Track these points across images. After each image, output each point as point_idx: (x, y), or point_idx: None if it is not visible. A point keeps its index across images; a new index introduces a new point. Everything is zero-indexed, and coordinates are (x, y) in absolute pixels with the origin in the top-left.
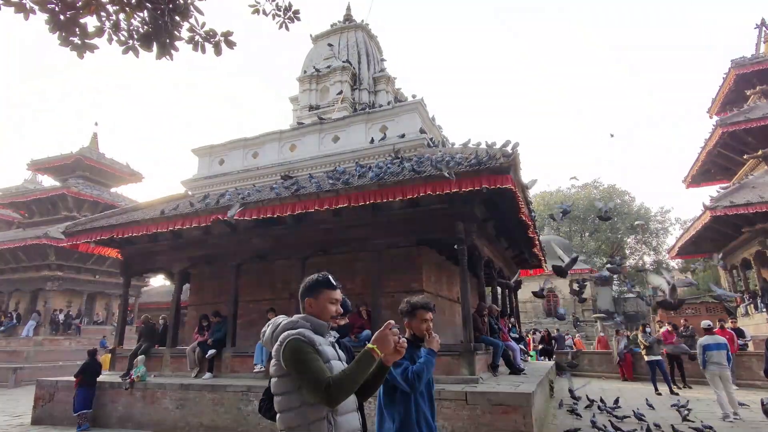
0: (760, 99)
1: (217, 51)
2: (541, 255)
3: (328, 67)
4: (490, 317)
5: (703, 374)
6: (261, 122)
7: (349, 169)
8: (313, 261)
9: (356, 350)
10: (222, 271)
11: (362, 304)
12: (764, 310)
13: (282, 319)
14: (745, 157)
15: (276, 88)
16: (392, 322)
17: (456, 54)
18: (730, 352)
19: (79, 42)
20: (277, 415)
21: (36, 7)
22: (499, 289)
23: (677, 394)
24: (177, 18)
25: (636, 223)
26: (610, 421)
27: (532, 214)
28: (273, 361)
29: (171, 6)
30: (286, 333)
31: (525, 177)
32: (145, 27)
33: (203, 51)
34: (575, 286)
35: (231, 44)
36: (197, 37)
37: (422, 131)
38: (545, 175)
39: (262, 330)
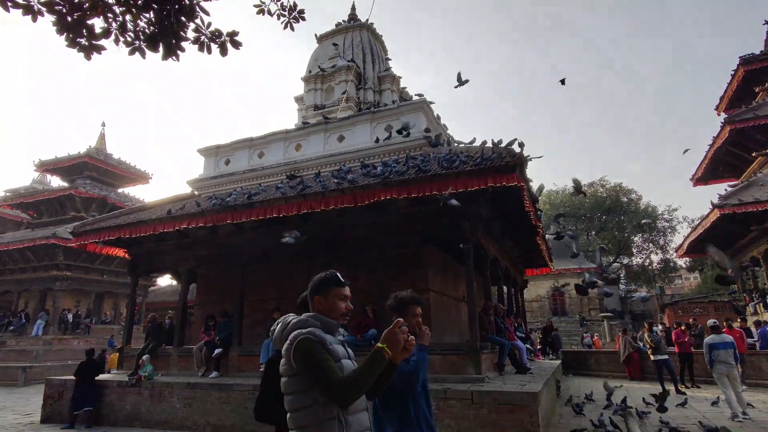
0: None
1: (223, 51)
2: (548, 254)
3: (333, 66)
4: (496, 316)
5: (711, 374)
6: (266, 122)
7: (355, 168)
8: (318, 260)
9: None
10: (228, 270)
11: (368, 303)
12: None
13: (292, 318)
14: (753, 154)
15: (281, 88)
16: (401, 320)
17: (461, 51)
18: (737, 351)
19: (86, 43)
20: (288, 415)
21: (44, 9)
22: (505, 288)
23: (684, 393)
24: (183, 19)
25: (643, 221)
26: (610, 418)
27: (539, 212)
28: (283, 360)
29: (177, 7)
30: (296, 332)
31: (530, 176)
32: (152, 28)
33: (209, 51)
34: (584, 281)
35: (237, 44)
36: (203, 38)
37: (427, 130)
38: (551, 174)
39: (271, 328)
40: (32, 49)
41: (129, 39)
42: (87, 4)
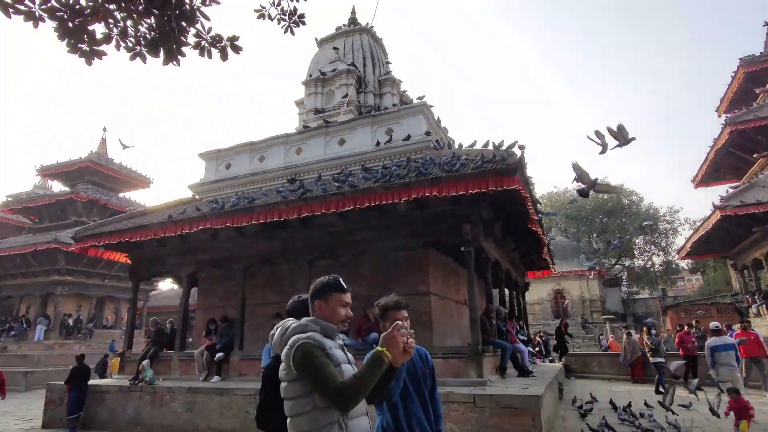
0: None
1: (224, 56)
2: (549, 257)
3: (334, 70)
4: (497, 319)
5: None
6: (267, 126)
7: (355, 171)
8: (319, 264)
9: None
10: (229, 274)
11: (369, 306)
12: None
13: (291, 322)
14: (754, 156)
15: (282, 92)
16: (400, 323)
17: (462, 55)
18: (738, 353)
19: (87, 49)
20: (288, 420)
21: (45, 15)
22: (506, 291)
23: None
24: (183, 24)
25: (644, 223)
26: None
27: (540, 215)
28: (283, 365)
29: (178, 12)
30: (296, 337)
31: (533, 177)
32: (152, 33)
33: (209, 56)
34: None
35: (237, 49)
36: (204, 43)
37: (428, 133)
38: (552, 176)
39: (271, 333)
40: (33, 53)
41: (130, 44)
42: (88, 10)
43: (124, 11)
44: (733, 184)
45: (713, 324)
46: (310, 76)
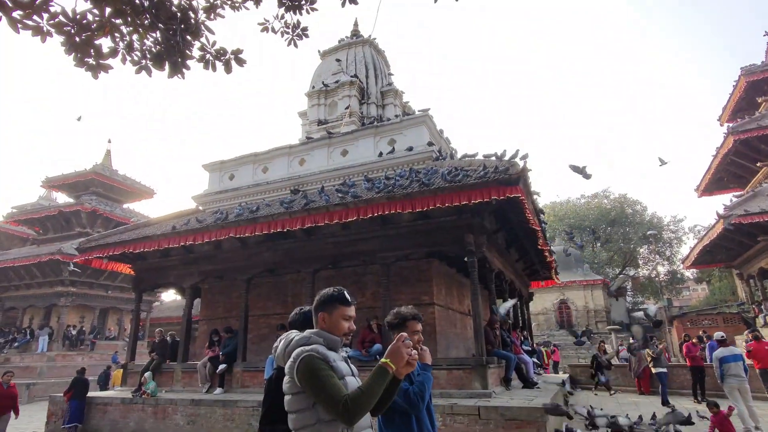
0: None
1: (228, 69)
2: (553, 266)
3: (337, 82)
4: (501, 330)
5: (722, 387)
6: (270, 137)
7: (358, 182)
8: (323, 274)
9: (367, 364)
10: (232, 285)
11: (372, 317)
12: None
13: (294, 334)
14: (758, 165)
15: (285, 103)
16: (404, 334)
17: (464, 65)
18: (746, 364)
19: (94, 63)
20: None
21: (53, 30)
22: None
23: (674, 408)
24: (188, 37)
25: (648, 232)
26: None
27: (543, 224)
28: (286, 378)
29: (183, 26)
30: (300, 349)
31: (535, 187)
32: (158, 47)
33: (214, 69)
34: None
35: (241, 62)
36: (208, 56)
37: (430, 144)
38: (555, 185)
39: (274, 345)
40: (38, 66)
41: (135, 58)
42: (95, 25)
43: (130, 26)
44: (737, 193)
45: (718, 334)
46: (313, 87)
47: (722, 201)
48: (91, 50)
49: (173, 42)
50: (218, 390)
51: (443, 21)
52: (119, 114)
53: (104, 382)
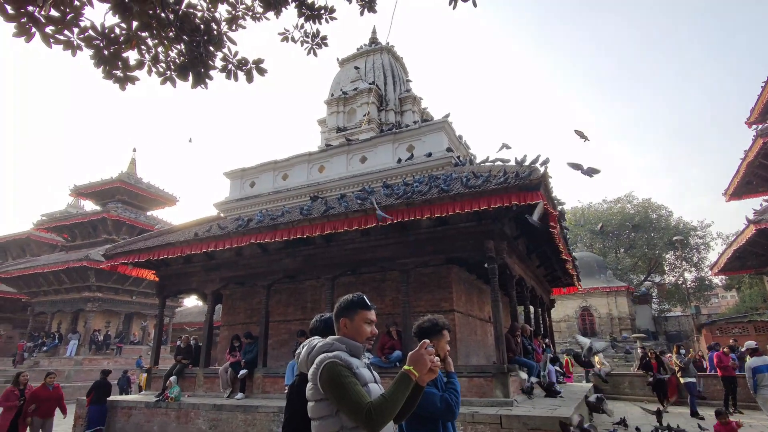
0: None
1: (249, 78)
2: (575, 273)
3: (355, 89)
4: (523, 337)
5: (754, 398)
6: (289, 145)
7: (377, 189)
8: (342, 281)
9: (387, 371)
10: (253, 291)
11: (392, 324)
12: None
13: (317, 341)
14: None
15: (304, 112)
16: (427, 341)
17: (482, 70)
18: None
19: (122, 75)
20: None
21: (83, 44)
22: (531, 309)
23: (703, 418)
24: (211, 48)
25: (675, 238)
26: None
27: (565, 230)
28: (309, 385)
29: (206, 37)
30: (322, 356)
31: (556, 193)
32: (182, 58)
33: (236, 79)
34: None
35: (262, 71)
36: (230, 66)
37: (449, 150)
38: (576, 191)
39: (297, 351)
40: (66, 78)
41: (161, 69)
42: (122, 38)
43: (156, 38)
44: (766, 197)
45: (749, 343)
46: (332, 95)
47: (752, 205)
48: (119, 63)
49: (197, 53)
50: (239, 395)
51: (462, 25)
52: (142, 122)
53: (124, 386)
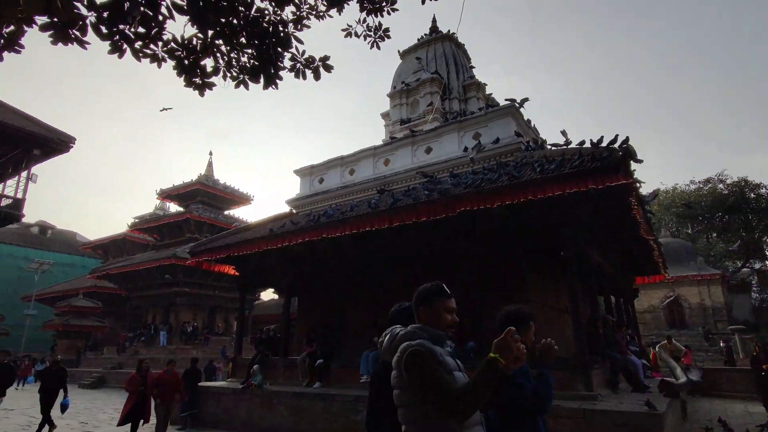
0: None
1: (317, 76)
2: (661, 260)
3: (417, 80)
4: (605, 329)
5: None
6: (357, 139)
7: (444, 179)
8: (412, 272)
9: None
10: (327, 284)
11: (464, 315)
12: None
13: (399, 329)
14: None
15: (369, 106)
16: (513, 328)
17: (550, 53)
18: None
19: (200, 81)
20: (402, 428)
21: (166, 56)
22: (612, 298)
23: None
24: (279, 49)
25: None
26: None
27: (648, 215)
28: (394, 373)
29: (275, 39)
30: (406, 344)
31: (638, 175)
32: (252, 61)
33: (304, 77)
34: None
35: (328, 68)
36: (298, 65)
37: (518, 135)
38: (659, 174)
39: (379, 340)
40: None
41: (234, 74)
42: (199, 47)
43: (228, 45)
44: None
45: None
46: (395, 88)
47: None
48: (198, 71)
49: (266, 56)
50: (317, 384)
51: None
52: (216, 123)
53: (210, 374)
